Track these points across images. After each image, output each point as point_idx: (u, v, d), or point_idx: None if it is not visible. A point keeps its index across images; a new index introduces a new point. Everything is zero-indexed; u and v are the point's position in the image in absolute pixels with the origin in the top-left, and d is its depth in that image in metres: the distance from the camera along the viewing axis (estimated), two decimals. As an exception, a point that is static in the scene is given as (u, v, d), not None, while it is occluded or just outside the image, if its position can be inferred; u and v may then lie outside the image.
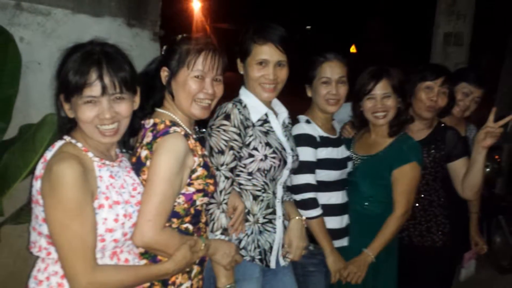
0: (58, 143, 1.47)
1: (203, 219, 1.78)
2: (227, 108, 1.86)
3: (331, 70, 2.18)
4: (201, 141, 1.82)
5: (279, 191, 2.01)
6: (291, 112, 2.15)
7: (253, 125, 1.91)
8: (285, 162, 1.96)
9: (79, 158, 1.41)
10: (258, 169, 1.90)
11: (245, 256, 1.89)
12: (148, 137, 1.63)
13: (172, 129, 1.62)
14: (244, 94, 1.98)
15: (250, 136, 1.88)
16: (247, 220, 1.92)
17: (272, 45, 1.91)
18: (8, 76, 1.98)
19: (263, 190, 1.94)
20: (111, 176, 1.49)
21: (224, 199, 1.80)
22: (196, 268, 1.74)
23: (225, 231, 1.79)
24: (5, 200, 1.94)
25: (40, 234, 1.43)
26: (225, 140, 1.82)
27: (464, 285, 3.03)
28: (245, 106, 1.92)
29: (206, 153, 1.80)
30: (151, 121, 1.68)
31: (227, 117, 1.84)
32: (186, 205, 1.66)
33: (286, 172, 2.00)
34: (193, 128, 1.80)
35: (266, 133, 1.94)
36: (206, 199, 1.73)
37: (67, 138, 1.48)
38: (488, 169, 3.69)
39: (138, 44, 2.44)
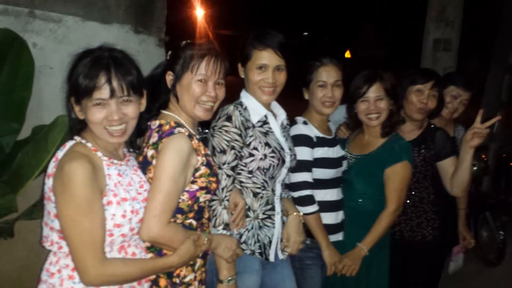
0: (69, 143, 1.47)
1: (206, 215, 1.78)
2: (228, 110, 1.86)
3: (327, 74, 2.18)
4: (204, 141, 1.82)
5: (278, 189, 2.01)
6: (289, 113, 2.15)
7: (253, 126, 1.91)
8: (283, 161, 1.96)
9: (89, 157, 1.41)
10: (258, 168, 1.90)
11: (245, 250, 1.89)
12: (154, 138, 1.63)
13: (176, 130, 1.62)
14: (245, 97, 1.98)
15: (251, 136, 1.88)
16: (247, 216, 1.92)
17: (271, 50, 1.91)
18: (22, 79, 1.98)
19: (262, 188, 1.94)
20: (119, 174, 1.49)
21: (226, 196, 1.80)
22: (199, 261, 1.74)
23: (226, 226, 1.79)
24: (19, 197, 1.93)
25: (52, 229, 1.43)
26: (227, 140, 1.82)
27: (452, 277, 3.03)
28: (245, 108, 1.91)
29: (209, 152, 1.79)
30: (157, 122, 1.68)
31: (229, 118, 1.83)
32: (190, 202, 1.66)
33: (284, 170, 2.00)
34: (196, 129, 1.80)
35: (265, 134, 1.93)
36: (208, 196, 1.72)
37: (77, 138, 1.48)
38: (475, 168, 3.69)
39: (145, 50, 2.43)
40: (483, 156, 4.19)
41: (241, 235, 1.90)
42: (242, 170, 1.90)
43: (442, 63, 4.69)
